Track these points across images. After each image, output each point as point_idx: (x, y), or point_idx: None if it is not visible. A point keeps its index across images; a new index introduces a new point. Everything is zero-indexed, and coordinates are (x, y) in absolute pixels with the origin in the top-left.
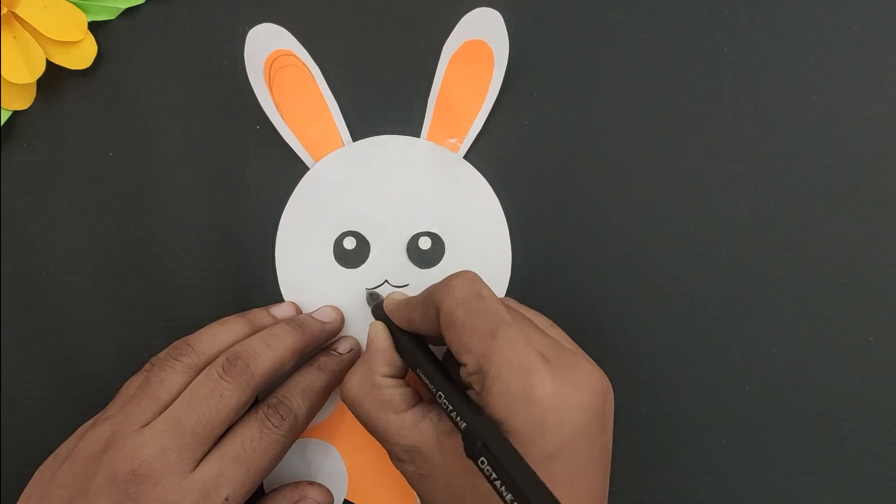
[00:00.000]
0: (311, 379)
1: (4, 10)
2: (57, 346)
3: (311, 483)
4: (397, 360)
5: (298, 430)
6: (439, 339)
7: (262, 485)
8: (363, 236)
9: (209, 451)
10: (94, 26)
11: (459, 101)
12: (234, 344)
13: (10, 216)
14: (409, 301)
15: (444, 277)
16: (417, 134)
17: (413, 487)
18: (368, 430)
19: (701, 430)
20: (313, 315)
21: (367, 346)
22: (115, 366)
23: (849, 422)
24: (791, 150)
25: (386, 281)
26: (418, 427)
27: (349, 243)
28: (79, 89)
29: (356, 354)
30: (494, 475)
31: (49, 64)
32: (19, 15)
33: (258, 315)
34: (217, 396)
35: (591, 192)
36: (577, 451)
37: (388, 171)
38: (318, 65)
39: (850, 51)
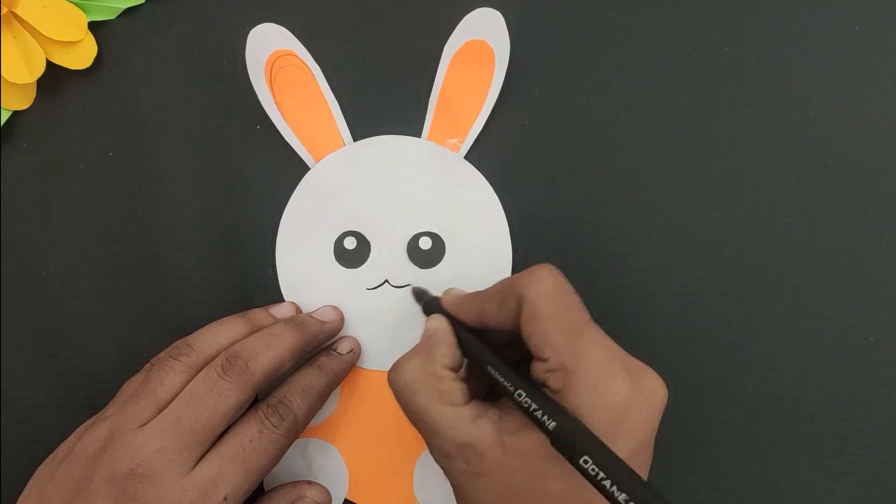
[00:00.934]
0: (310, 379)
1: (4, 10)
2: (57, 346)
3: (310, 482)
4: (458, 354)
5: (298, 430)
6: (502, 335)
7: (261, 484)
8: (364, 236)
9: (208, 450)
10: (94, 26)
11: (460, 101)
12: (233, 344)
13: (10, 216)
14: (480, 294)
15: (526, 270)
16: (418, 134)
17: (458, 485)
18: (414, 421)
19: (701, 430)
20: (313, 315)
21: (427, 337)
22: (115, 366)
23: (849, 422)
24: (791, 150)
25: (386, 281)
26: (476, 423)
27: (349, 243)
28: (79, 89)
29: (356, 355)
30: (603, 475)
31: (49, 64)
32: (19, 15)
33: (258, 315)
34: (216, 396)
35: (591, 192)
36: (645, 458)
37: (388, 171)
38: (318, 65)
39: (850, 51)
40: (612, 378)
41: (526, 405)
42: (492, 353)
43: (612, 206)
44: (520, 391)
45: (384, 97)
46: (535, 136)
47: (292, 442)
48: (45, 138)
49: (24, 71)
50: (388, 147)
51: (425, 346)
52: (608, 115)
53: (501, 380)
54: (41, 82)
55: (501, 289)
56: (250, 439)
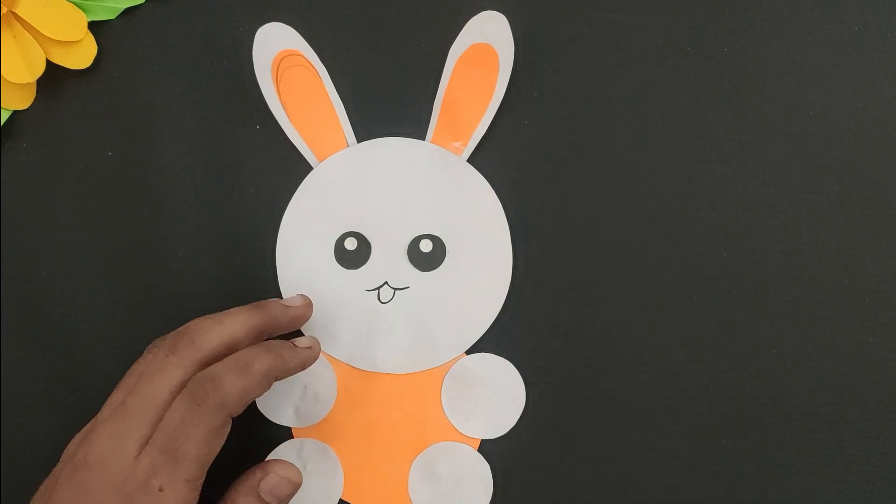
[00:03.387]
0: (252, 357)
1: (4, 10)
2: (57, 346)
3: (279, 461)
4: None
5: (230, 411)
6: None
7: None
8: (364, 237)
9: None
10: (94, 26)
11: (465, 104)
12: (229, 338)
13: (10, 216)
14: None
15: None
16: (422, 136)
17: None
18: None
19: (701, 430)
20: (281, 301)
21: None
22: (115, 366)
23: (849, 422)
24: (791, 150)
25: (386, 282)
26: None
27: (350, 244)
28: (79, 89)
29: (314, 353)
30: None
31: (49, 64)
32: (19, 15)
33: (271, 305)
34: (160, 374)
35: (594, 196)
36: None
37: (391, 172)
38: (324, 65)
39: (850, 51)
40: None
41: None
42: None
43: (614, 209)
44: None
45: (389, 99)
46: (538, 141)
47: (226, 424)
48: (45, 138)
49: (24, 71)
50: (391, 149)
51: None
52: (612, 118)
53: None
54: (41, 82)
55: None
56: (174, 425)
